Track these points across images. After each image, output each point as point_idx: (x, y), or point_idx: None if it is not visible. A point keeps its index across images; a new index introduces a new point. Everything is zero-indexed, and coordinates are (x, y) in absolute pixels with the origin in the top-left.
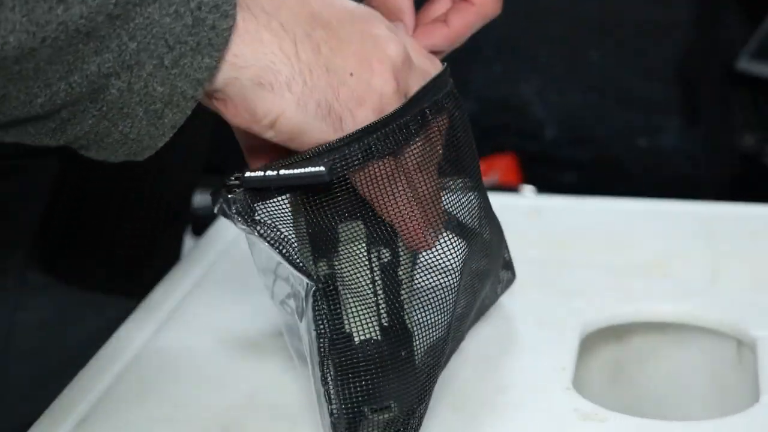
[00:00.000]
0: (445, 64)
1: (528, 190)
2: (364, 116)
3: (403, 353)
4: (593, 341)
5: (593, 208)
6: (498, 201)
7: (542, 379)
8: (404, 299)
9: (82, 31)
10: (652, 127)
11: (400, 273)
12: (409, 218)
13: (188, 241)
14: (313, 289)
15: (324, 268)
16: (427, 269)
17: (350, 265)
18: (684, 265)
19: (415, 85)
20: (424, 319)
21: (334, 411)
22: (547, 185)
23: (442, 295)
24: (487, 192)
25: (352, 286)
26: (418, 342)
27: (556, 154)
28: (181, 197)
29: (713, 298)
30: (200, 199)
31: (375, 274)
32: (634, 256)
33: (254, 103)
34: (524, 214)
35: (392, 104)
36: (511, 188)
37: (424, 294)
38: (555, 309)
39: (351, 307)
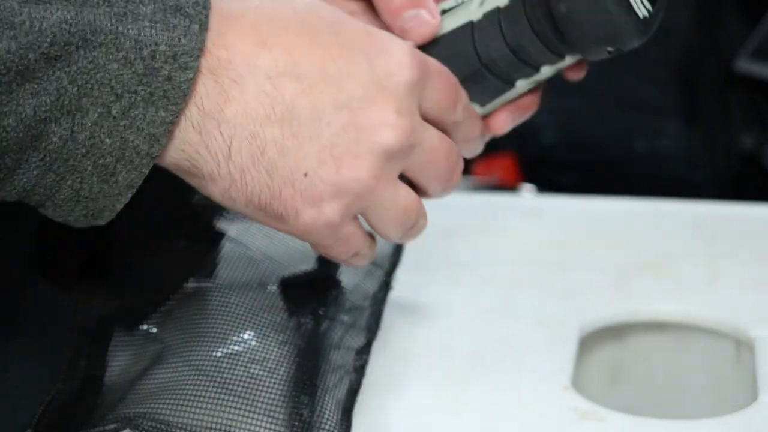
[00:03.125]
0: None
1: (528, 190)
2: (313, 215)
3: None
4: (592, 341)
5: (593, 208)
6: (498, 201)
7: (541, 379)
8: None
9: (13, 69)
10: (651, 129)
11: None
12: None
13: None
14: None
15: None
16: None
17: None
18: (683, 265)
19: (418, 168)
20: None
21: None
22: (547, 185)
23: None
24: (487, 191)
25: None
26: None
27: (555, 157)
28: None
29: (712, 298)
30: None
31: None
32: (634, 256)
33: (187, 178)
34: (524, 214)
35: (374, 191)
36: (511, 188)
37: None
38: (554, 308)
39: None
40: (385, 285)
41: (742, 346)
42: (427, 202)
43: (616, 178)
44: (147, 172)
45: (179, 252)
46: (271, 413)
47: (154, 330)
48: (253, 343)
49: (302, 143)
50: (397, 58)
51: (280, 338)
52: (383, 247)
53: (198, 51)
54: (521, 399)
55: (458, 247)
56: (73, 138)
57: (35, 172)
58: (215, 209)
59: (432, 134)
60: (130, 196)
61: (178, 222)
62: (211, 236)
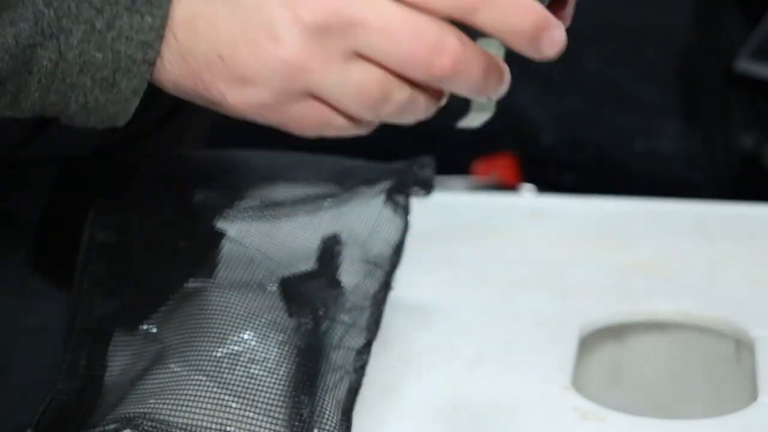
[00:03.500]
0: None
1: (528, 190)
2: (240, 98)
3: None
4: (592, 341)
5: (593, 208)
6: (498, 201)
7: (541, 379)
8: None
9: None
10: (651, 129)
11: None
12: None
13: None
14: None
15: None
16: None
17: None
18: (683, 265)
19: (373, 49)
20: None
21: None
22: (547, 185)
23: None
24: (487, 191)
25: None
26: None
27: (555, 157)
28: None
29: (712, 298)
30: None
31: None
32: (634, 256)
33: None
34: (524, 214)
35: (308, 72)
36: (511, 188)
37: None
38: (554, 308)
39: None
40: (385, 285)
41: (742, 346)
42: (427, 201)
43: (616, 178)
44: (149, 77)
45: (179, 252)
46: (271, 413)
47: (154, 330)
48: (253, 343)
49: (214, 25)
50: None
51: (280, 338)
52: (383, 248)
53: None
54: (521, 399)
55: (458, 247)
56: (63, 58)
57: (37, 95)
58: (215, 209)
59: (384, 10)
60: (138, 99)
61: (178, 222)
62: (211, 236)
